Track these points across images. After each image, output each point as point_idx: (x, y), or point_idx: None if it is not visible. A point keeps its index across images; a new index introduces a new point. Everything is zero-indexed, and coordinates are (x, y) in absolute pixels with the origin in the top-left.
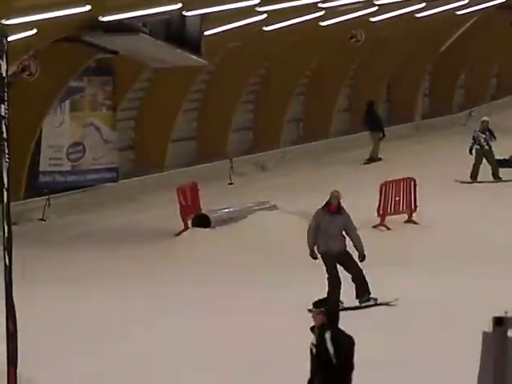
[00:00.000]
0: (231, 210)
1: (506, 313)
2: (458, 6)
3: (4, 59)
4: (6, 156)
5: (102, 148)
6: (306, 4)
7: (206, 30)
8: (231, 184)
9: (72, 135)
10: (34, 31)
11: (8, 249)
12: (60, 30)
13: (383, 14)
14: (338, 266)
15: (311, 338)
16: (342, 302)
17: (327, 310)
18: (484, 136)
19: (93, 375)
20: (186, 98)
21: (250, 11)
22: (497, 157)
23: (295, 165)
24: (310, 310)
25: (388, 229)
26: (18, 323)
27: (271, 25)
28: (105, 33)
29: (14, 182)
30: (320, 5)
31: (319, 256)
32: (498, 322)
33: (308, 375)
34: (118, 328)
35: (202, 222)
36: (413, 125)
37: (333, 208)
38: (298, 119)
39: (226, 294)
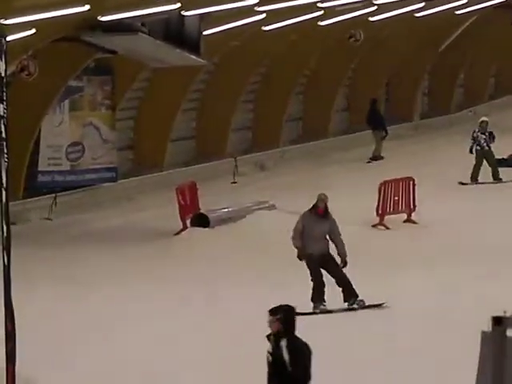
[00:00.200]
0: (230, 209)
1: (504, 312)
2: (457, 6)
3: (3, 59)
4: (5, 155)
5: (101, 148)
6: (305, 4)
7: (205, 30)
8: (235, 183)
9: (71, 135)
10: (33, 31)
11: (7, 248)
12: (59, 30)
13: (382, 13)
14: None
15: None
16: (325, 305)
17: (284, 317)
18: (484, 137)
19: (92, 374)
20: (185, 97)
21: (249, 11)
22: (496, 156)
23: (294, 164)
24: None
25: (387, 228)
26: (17, 322)
27: (270, 24)
28: (104, 32)
29: (13, 182)
30: (319, 4)
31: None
32: (497, 321)
33: None
34: (116, 327)
35: (201, 221)
36: (412, 124)
37: (320, 211)
38: (297, 119)
39: (225, 293)
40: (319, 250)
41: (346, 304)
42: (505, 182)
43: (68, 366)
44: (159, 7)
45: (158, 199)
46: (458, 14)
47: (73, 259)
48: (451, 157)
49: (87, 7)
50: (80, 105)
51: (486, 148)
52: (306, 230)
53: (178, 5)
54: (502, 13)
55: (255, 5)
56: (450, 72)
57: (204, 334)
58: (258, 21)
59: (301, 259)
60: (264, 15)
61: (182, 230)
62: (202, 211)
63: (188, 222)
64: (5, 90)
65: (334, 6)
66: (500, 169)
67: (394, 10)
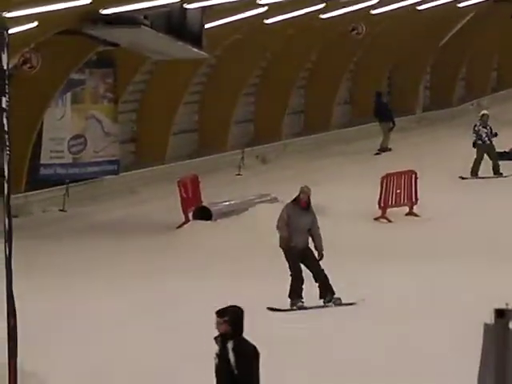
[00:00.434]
0: (232, 202)
1: (507, 305)
2: None
3: (5, 52)
4: (7, 148)
5: (104, 140)
6: None
7: (207, 23)
8: (240, 175)
9: (73, 128)
10: (35, 24)
11: (8, 241)
12: (61, 23)
13: (384, 6)
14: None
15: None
16: (303, 302)
17: (232, 318)
18: (485, 131)
19: (93, 367)
20: (187, 90)
21: (251, 4)
22: (497, 149)
23: (296, 157)
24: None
25: (389, 221)
26: (19, 315)
27: (272, 17)
28: (106, 25)
29: (15, 175)
30: None
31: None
32: (500, 314)
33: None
34: (116, 320)
35: (203, 214)
36: (414, 117)
37: (303, 203)
38: (298, 112)
39: (227, 286)
40: (302, 243)
41: (322, 301)
42: (505, 176)
43: (68, 359)
44: (161, 0)
45: (160, 192)
46: (460, 7)
47: (74, 252)
48: (454, 149)
49: (89, 0)
50: (82, 97)
51: (488, 142)
52: (290, 221)
53: None
54: (503, 6)
55: None
56: (452, 65)
57: (205, 327)
58: (259, 14)
59: (286, 249)
60: (266, 8)
61: (184, 223)
62: (204, 204)
63: (190, 214)
64: (7, 82)
65: None
66: (501, 162)
67: (396, 2)
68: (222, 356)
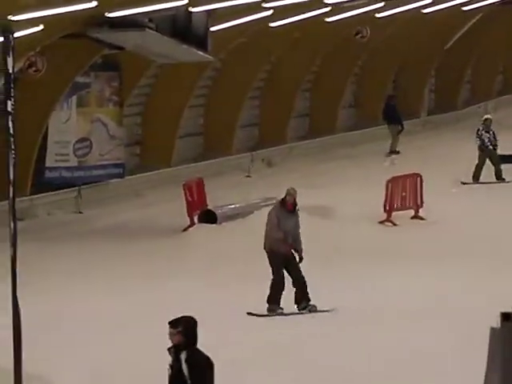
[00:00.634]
0: (237, 206)
1: None
2: (464, 2)
3: (11, 55)
4: (12, 152)
5: (109, 144)
6: (312, 0)
7: (212, 26)
8: (249, 177)
9: (78, 131)
10: (41, 27)
11: (13, 244)
12: (66, 26)
13: (389, 10)
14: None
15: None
16: (282, 308)
17: (185, 329)
18: (488, 135)
19: (95, 370)
20: (193, 93)
21: (256, 7)
22: (502, 152)
23: (301, 160)
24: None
25: (394, 224)
26: (22, 317)
27: (277, 21)
28: (111, 29)
29: (21, 178)
30: (326, 1)
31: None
32: (506, 317)
33: None
34: (119, 322)
35: (209, 218)
36: (419, 121)
37: (289, 206)
38: (304, 115)
39: (232, 289)
40: (285, 248)
41: (296, 306)
42: (508, 181)
43: (72, 361)
44: (166, 3)
45: (165, 195)
46: (465, 11)
47: (79, 254)
48: (459, 153)
49: (94, 3)
50: (87, 101)
51: (490, 147)
52: (280, 224)
53: (186, 1)
54: (509, 9)
55: (262, 1)
56: (457, 68)
57: (209, 330)
58: (265, 17)
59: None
60: (271, 12)
61: (189, 227)
62: (209, 207)
63: (195, 218)
64: (12, 86)
65: (341, 3)
66: (506, 170)
67: (402, 6)
68: (175, 367)
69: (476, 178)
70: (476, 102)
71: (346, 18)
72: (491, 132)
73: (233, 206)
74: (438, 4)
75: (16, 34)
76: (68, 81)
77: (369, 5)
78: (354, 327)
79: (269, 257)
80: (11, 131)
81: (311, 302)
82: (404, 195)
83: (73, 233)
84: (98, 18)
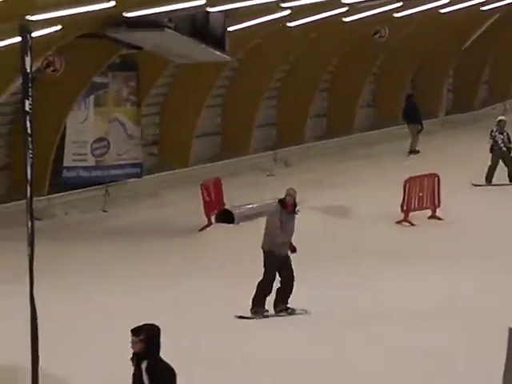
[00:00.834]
0: (255, 205)
1: None
2: (483, 2)
3: (28, 55)
4: (30, 151)
5: (127, 143)
6: (330, 0)
7: (230, 26)
8: (272, 175)
9: (96, 131)
10: (59, 27)
11: (31, 243)
12: (84, 26)
13: (407, 9)
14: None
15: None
16: (267, 311)
17: (147, 337)
18: (502, 137)
19: (113, 369)
20: (210, 93)
21: (274, 7)
22: None
23: (319, 160)
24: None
25: (412, 224)
26: (41, 318)
27: (295, 21)
28: (129, 28)
29: (38, 178)
30: (343, 1)
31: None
32: None
33: None
34: (135, 320)
35: (226, 217)
36: (437, 120)
37: (290, 207)
38: (321, 115)
39: (248, 289)
40: (286, 251)
41: (273, 308)
42: None
43: (90, 360)
44: (184, 3)
45: (182, 195)
46: (483, 10)
47: (96, 253)
48: (475, 153)
49: (112, 3)
50: (105, 101)
51: (504, 149)
52: (282, 227)
53: (204, 1)
54: None
55: (280, 1)
56: (475, 68)
57: (222, 331)
58: (282, 17)
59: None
60: (289, 11)
61: (206, 226)
62: (226, 207)
63: (213, 218)
64: (30, 85)
65: (359, 2)
66: None
67: (420, 6)
68: (136, 376)
69: (489, 179)
70: (493, 102)
71: (363, 17)
72: (505, 133)
73: (250, 206)
74: (455, 4)
75: (34, 34)
76: (86, 80)
77: (386, 4)
78: (366, 327)
79: (266, 257)
80: (29, 131)
81: (288, 305)
82: (421, 195)
83: (90, 232)
84: (116, 17)
